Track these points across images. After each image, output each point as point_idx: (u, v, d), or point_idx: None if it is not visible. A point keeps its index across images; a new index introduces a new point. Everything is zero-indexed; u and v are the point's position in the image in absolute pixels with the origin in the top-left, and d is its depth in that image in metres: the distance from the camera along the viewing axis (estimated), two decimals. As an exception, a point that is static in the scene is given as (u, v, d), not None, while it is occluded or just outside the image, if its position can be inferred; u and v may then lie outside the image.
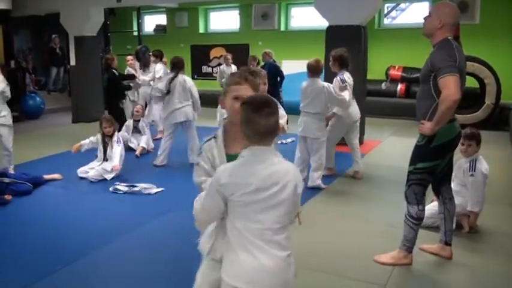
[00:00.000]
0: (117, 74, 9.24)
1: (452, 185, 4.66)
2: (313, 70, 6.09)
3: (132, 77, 9.85)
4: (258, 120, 2.19)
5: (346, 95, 6.21)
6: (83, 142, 7.02)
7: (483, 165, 4.76)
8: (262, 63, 10.93)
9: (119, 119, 9.35)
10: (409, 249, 4.03)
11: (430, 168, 3.84)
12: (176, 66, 7.50)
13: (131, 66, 10.19)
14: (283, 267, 2.23)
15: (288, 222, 2.27)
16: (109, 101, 9.41)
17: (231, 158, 2.41)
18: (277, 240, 2.22)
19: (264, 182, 2.19)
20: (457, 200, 4.44)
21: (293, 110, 6.61)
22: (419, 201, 3.91)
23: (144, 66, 10.60)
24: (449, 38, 3.69)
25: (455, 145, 3.92)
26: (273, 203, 2.20)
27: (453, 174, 4.76)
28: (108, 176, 6.75)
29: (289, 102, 9.37)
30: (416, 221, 3.94)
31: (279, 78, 10.59)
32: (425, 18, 3.84)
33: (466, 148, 4.71)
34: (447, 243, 4.15)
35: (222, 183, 2.20)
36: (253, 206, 2.20)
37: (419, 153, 3.86)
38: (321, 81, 6.12)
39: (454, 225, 4.33)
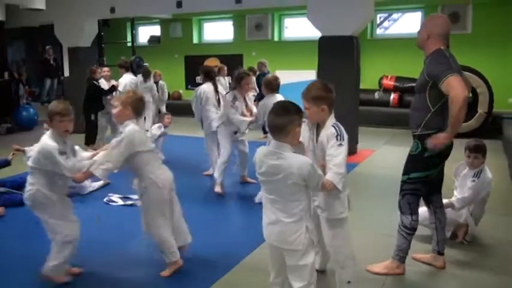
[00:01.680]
0: (98, 85, 9.32)
1: (456, 192, 4.70)
2: (269, 86, 6.18)
3: (112, 89, 9.77)
4: (268, 117, 2.98)
5: None
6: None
7: (487, 175, 4.75)
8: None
9: (91, 131, 9.44)
10: (402, 259, 4.03)
11: (424, 178, 3.84)
12: (208, 76, 7.42)
13: (106, 78, 9.95)
14: (285, 229, 2.95)
15: (296, 197, 2.93)
16: (85, 112, 9.45)
17: None
18: (285, 209, 2.94)
19: (271, 168, 2.91)
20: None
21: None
22: (413, 211, 3.90)
23: (145, 77, 10.65)
24: (442, 48, 3.70)
25: (448, 154, 3.92)
26: (280, 185, 2.91)
27: (456, 183, 4.78)
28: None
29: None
30: (410, 231, 3.94)
31: None
32: (418, 31, 3.86)
33: (472, 161, 4.68)
34: (440, 253, 4.15)
35: (254, 159, 3.05)
36: (266, 183, 3.00)
37: (413, 163, 3.86)
38: (278, 96, 6.08)
39: (448, 234, 4.35)
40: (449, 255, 4.26)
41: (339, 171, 3.15)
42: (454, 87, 3.42)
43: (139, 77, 10.45)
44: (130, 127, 3.84)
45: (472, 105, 10.33)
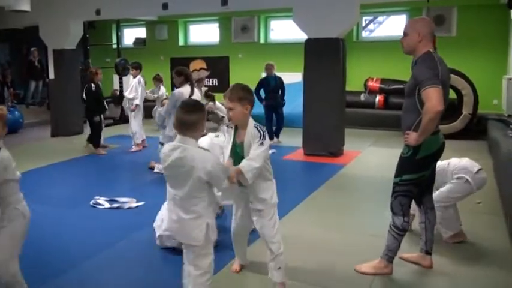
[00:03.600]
0: (93, 89, 9.46)
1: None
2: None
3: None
4: (178, 114, 3.15)
5: None
6: None
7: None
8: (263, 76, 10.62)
9: (95, 132, 9.48)
10: (390, 259, 4.05)
11: (416, 180, 3.86)
12: (187, 79, 7.01)
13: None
14: (184, 225, 3.14)
15: (197, 194, 3.09)
16: (88, 114, 9.55)
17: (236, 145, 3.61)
18: (183, 205, 3.11)
19: (175, 162, 3.07)
20: None
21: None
22: (405, 212, 3.92)
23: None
24: (430, 50, 3.75)
25: (439, 156, 3.95)
26: (182, 178, 3.06)
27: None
28: None
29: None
30: (400, 232, 3.95)
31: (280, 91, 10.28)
32: (402, 40, 3.88)
33: None
34: (428, 252, 4.18)
35: (161, 157, 3.20)
36: (169, 177, 3.17)
37: (405, 165, 3.88)
38: None
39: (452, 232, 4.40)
40: (437, 254, 4.28)
41: (251, 163, 3.41)
42: (431, 99, 3.52)
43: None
44: (6, 152, 3.40)
45: (457, 106, 10.44)
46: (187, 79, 6.98)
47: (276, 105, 10.07)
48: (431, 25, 3.85)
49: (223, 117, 10.94)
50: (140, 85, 9.87)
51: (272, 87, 10.06)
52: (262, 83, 10.24)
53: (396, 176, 3.94)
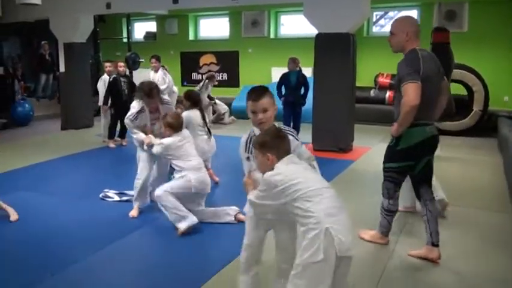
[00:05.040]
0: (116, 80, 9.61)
1: None
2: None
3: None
4: None
5: None
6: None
7: None
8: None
9: (110, 124, 9.61)
10: (384, 233, 4.52)
11: (398, 169, 4.23)
12: (195, 104, 6.85)
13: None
14: None
15: None
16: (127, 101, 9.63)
17: None
18: None
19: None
20: None
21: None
22: (390, 195, 4.34)
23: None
24: (416, 48, 4.00)
25: (425, 149, 4.13)
26: None
27: None
28: None
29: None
30: (388, 213, 4.41)
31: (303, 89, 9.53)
32: (390, 39, 4.20)
33: None
34: (434, 244, 4.20)
35: None
36: None
37: (387, 154, 4.32)
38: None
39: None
40: (445, 250, 4.27)
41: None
42: (407, 94, 3.85)
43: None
44: None
45: (467, 103, 10.39)
46: (195, 104, 6.81)
47: (295, 102, 9.44)
48: (415, 22, 4.20)
49: (224, 113, 12.75)
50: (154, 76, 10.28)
51: (293, 84, 9.40)
52: (282, 79, 9.63)
53: (383, 162, 4.36)
